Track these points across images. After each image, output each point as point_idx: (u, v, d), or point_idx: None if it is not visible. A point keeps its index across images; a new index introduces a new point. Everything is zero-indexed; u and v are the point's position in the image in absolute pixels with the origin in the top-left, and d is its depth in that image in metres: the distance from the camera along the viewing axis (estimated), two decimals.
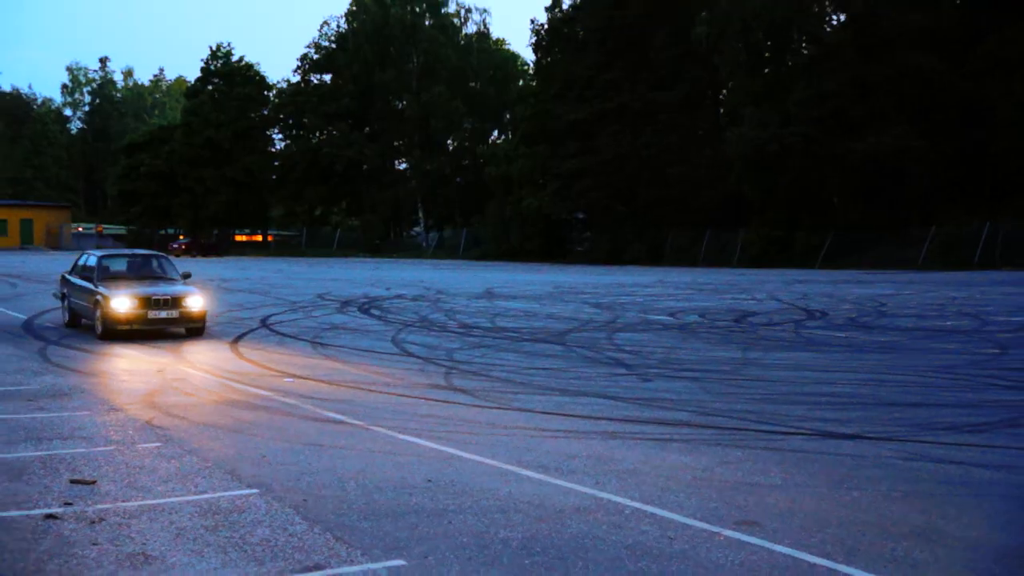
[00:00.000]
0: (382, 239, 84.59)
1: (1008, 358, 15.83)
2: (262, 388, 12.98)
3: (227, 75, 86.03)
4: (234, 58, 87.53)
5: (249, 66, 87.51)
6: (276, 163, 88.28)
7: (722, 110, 65.19)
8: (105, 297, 18.39)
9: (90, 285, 19.25)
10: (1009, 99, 48.08)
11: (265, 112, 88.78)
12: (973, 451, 9.15)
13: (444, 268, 55.01)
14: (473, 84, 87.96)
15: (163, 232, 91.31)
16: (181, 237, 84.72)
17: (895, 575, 5.72)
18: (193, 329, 18.95)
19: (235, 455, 8.94)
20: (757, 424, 10.49)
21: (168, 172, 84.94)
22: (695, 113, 64.07)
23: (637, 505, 7.22)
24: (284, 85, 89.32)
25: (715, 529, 6.60)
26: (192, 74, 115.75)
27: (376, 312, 24.89)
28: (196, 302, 18.80)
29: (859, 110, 52.28)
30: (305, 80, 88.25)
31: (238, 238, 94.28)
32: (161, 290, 18.84)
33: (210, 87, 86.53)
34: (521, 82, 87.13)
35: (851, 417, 10.91)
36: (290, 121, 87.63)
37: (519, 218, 68.93)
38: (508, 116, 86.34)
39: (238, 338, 18.91)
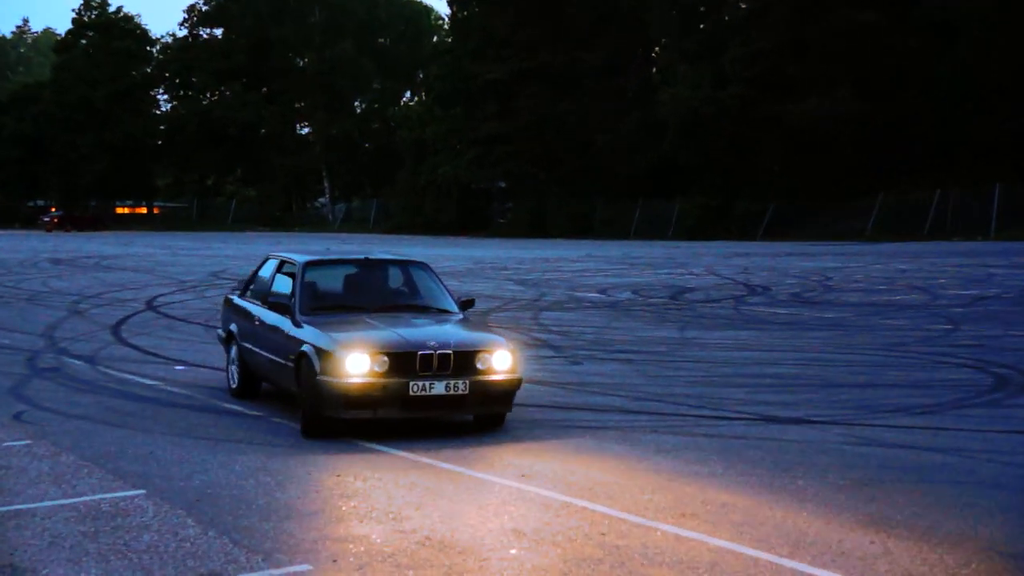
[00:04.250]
0: (283, 211, 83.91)
1: (960, 334, 16.21)
2: (148, 377, 12.73)
3: (103, 27, 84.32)
4: (111, 8, 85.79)
5: (129, 17, 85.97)
6: (161, 127, 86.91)
7: (654, 69, 65.51)
8: (320, 352, 9.29)
9: (286, 322, 10.15)
10: (950, 60, 48.84)
11: (148, 70, 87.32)
12: (923, 434, 9.36)
13: (353, 242, 54.56)
14: (382, 40, 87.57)
15: (31, 204, 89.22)
16: (52, 210, 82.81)
17: (843, 569, 5.79)
18: (489, 418, 9.74)
19: (117, 452, 8.75)
20: (696, 409, 10.59)
21: (35, 136, 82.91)
22: (623, 73, 64.35)
23: (565, 499, 7.22)
24: (169, 39, 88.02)
25: (650, 524, 6.63)
26: (63, 26, 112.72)
27: None
28: (503, 361, 9.40)
29: (796, 70, 52.90)
30: (193, 34, 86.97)
31: (119, 210, 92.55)
32: (437, 336, 9.52)
33: (84, 41, 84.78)
34: (435, 38, 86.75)
35: (795, 400, 11.07)
36: (176, 80, 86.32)
37: (434, 187, 68.78)
38: (421, 75, 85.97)
39: (120, 322, 18.49)
